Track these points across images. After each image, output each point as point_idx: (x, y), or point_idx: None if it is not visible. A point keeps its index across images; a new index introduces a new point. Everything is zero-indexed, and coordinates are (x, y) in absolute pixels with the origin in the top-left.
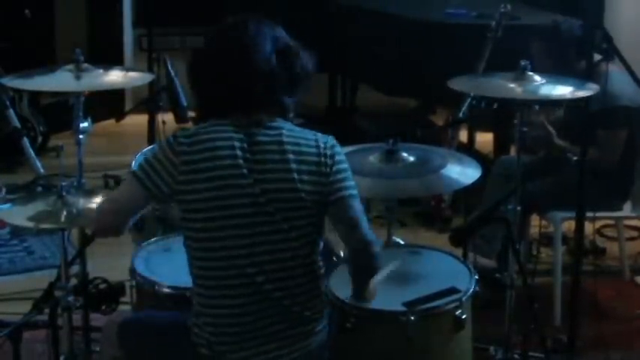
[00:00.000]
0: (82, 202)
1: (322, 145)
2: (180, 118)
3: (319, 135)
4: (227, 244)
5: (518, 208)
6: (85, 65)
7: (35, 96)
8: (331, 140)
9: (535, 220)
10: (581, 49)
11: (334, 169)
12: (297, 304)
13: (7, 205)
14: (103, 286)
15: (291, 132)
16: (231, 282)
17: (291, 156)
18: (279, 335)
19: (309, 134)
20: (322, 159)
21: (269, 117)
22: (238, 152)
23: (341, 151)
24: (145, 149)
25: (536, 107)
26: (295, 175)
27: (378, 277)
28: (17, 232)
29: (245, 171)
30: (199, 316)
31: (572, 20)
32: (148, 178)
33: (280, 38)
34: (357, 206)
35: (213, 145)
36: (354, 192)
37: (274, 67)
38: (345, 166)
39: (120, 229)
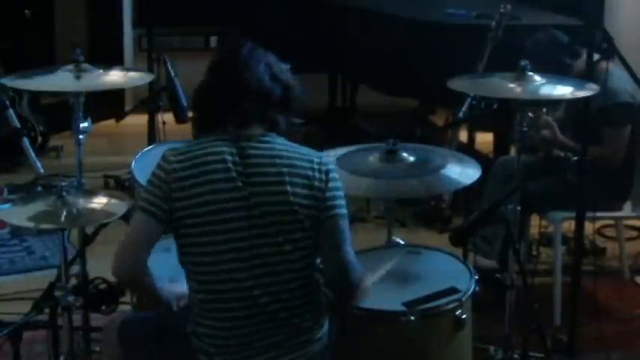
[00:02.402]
0: (81, 202)
1: (317, 161)
2: (180, 118)
3: (312, 151)
4: (224, 258)
5: (518, 208)
6: (85, 65)
7: (35, 96)
8: (325, 158)
9: (535, 220)
10: (573, 51)
11: (329, 185)
12: (296, 316)
13: (7, 205)
14: (103, 286)
15: (283, 146)
16: (229, 295)
17: (284, 169)
18: (278, 345)
19: (302, 150)
20: (317, 174)
21: (261, 132)
22: (231, 165)
23: (335, 169)
24: (145, 149)
25: (544, 110)
26: (288, 188)
27: (374, 277)
28: (17, 232)
29: (239, 184)
30: (198, 326)
31: (550, 31)
32: (150, 204)
33: (274, 63)
34: (345, 228)
35: (206, 159)
36: (345, 212)
37: (266, 85)
38: (338, 184)
39: (140, 267)
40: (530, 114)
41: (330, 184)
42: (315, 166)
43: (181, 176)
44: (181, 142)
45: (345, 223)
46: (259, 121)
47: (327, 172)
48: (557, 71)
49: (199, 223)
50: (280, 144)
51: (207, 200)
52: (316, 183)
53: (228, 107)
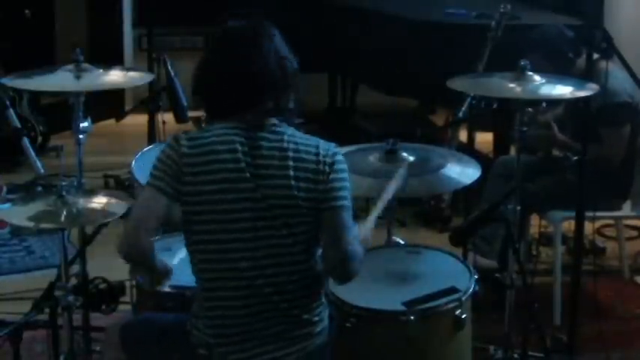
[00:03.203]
0: (81, 202)
1: (322, 153)
2: (180, 118)
3: (322, 142)
4: (228, 247)
5: (518, 207)
6: (85, 65)
7: (35, 96)
8: (333, 149)
9: (535, 220)
10: (577, 48)
11: (331, 177)
12: (296, 307)
13: (7, 205)
14: (103, 285)
15: (292, 137)
16: (231, 284)
17: (290, 162)
18: (278, 337)
19: (311, 141)
20: (320, 167)
21: (273, 121)
22: (240, 156)
23: (342, 160)
24: (145, 149)
25: (544, 105)
26: (292, 182)
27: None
28: (17, 232)
29: (247, 175)
30: (198, 318)
31: (558, 24)
32: (161, 181)
33: (281, 41)
34: (346, 219)
35: (216, 148)
36: (347, 203)
37: (281, 71)
38: (343, 175)
39: (150, 249)
40: (529, 109)
41: (332, 176)
42: (321, 158)
43: (190, 162)
44: None
45: (345, 215)
46: (273, 110)
47: (331, 164)
48: (560, 64)
49: (206, 211)
50: (290, 135)
51: (215, 189)
52: (320, 176)
53: (245, 98)
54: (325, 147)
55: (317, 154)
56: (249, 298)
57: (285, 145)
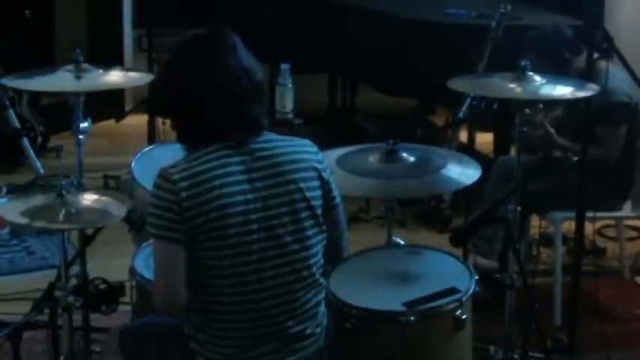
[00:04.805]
0: (81, 202)
1: (313, 150)
2: None
3: (305, 140)
4: (237, 271)
5: (518, 208)
6: (85, 65)
7: (35, 96)
8: (314, 145)
9: (535, 220)
10: (575, 47)
11: (328, 173)
12: (300, 324)
13: (4, 200)
14: (103, 286)
15: (282, 142)
16: (238, 308)
17: (292, 166)
18: (278, 349)
19: (296, 141)
20: (317, 165)
21: (257, 133)
22: (241, 177)
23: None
24: (145, 149)
25: (540, 106)
26: (302, 185)
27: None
28: (17, 232)
29: (253, 195)
30: (199, 332)
31: (556, 24)
32: (170, 230)
33: (245, 50)
34: (344, 215)
35: (213, 174)
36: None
37: (250, 82)
38: (330, 170)
39: (181, 296)
40: (527, 110)
41: (328, 172)
42: (314, 157)
43: (189, 196)
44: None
45: (342, 211)
46: (256, 122)
47: (323, 162)
48: (555, 64)
49: (215, 237)
50: (278, 140)
51: (220, 215)
52: (322, 173)
53: (227, 115)
54: (310, 144)
55: (309, 152)
56: (255, 321)
57: (280, 150)
